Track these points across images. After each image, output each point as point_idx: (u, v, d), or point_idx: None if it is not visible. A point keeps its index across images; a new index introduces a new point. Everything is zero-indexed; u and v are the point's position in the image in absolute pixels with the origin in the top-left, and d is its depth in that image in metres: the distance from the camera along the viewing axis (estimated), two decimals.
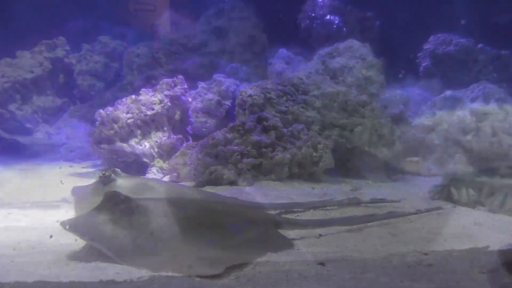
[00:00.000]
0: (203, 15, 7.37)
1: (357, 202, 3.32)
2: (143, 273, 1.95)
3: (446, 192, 3.73)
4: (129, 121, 4.98)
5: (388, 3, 7.75)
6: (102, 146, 5.01)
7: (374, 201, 3.39)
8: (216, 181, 4.14)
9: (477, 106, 4.90)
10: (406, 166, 5.40)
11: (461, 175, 4.55)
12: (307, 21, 7.39)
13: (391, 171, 5.29)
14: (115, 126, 4.96)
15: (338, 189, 4.28)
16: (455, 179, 3.75)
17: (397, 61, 7.47)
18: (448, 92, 5.35)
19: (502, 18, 7.46)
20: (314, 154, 4.48)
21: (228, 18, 6.95)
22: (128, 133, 4.99)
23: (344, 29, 7.27)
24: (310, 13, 7.33)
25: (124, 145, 4.96)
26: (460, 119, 5.00)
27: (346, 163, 5.17)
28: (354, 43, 5.83)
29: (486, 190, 3.53)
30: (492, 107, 4.86)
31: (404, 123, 5.71)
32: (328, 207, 3.33)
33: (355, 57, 5.65)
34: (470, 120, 4.91)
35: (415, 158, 5.41)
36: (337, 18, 7.27)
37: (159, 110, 5.05)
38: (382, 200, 3.41)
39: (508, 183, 3.51)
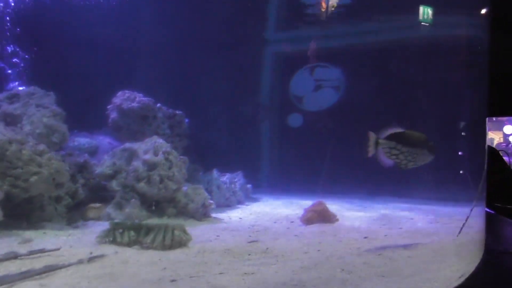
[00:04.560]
0: None
1: (14, 256, 3.29)
2: None
3: (112, 235, 4.18)
4: None
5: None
6: None
7: (32, 252, 3.44)
8: None
9: (148, 157, 5.73)
10: (89, 212, 5.65)
11: (128, 218, 5.18)
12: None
13: (73, 218, 5.43)
14: None
15: (5, 243, 4.07)
16: (119, 223, 4.26)
17: (90, 110, 7.85)
18: (127, 144, 6.02)
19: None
20: None
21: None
22: None
23: None
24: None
25: None
26: (134, 168, 5.69)
27: (23, 214, 4.97)
28: (37, 90, 5.79)
29: (143, 230, 4.17)
30: (160, 158, 5.78)
31: (88, 171, 6.00)
32: None
33: (36, 105, 5.60)
34: (143, 170, 5.67)
35: (97, 204, 5.73)
36: None
37: None
38: (41, 250, 3.49)
39: (159, 223, 4.28)
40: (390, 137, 3.83)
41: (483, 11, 4.49)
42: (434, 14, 5.28)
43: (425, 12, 5.17)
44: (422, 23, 5.28)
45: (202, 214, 5.99)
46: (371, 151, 3.86)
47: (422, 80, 7.96)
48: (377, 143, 3.82)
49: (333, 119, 9.64)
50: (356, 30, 9.25)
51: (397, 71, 8.63)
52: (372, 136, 3.88)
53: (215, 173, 7.73)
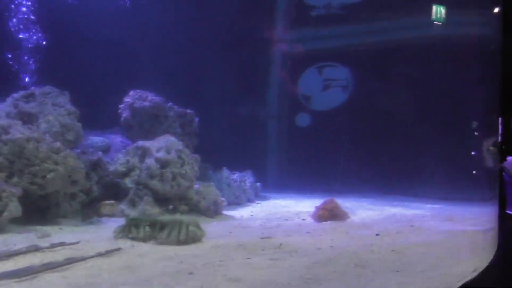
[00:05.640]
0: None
1: (36, 249, 3.37)
2: None
3: (128, 231, 4.26)
4: None
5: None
6: None
7: (53, 245, 3.53)
8: None
9: (161, 155, 5.80)
10: (103, 209, 5.74)
11: (141, 215, 5.26)
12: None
13: (87, 215, 5.52)
14: None
15: (24, 238, 4.17)
16: (134, 218, 4.34)
17: (103, 110, 7.97)
18: (140, 142, 6.10)
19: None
20: None
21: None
22: None
23: None
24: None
25: None
26: (147, 165, 5.77)
27: (39, 210, 5.07)
28: (52, 89, 5.89)
29: (158, 226, 4.24)
30: (172, 156, 5.86)
31: (102, 168, 6.09)
32: (3, 258, 3.24)
33: (52, 104, 5.71)
34: (155, 167, 5.75)
35: (111, 201, 5.82)
36: None
37: None
38: (61, 244, 3.58)
39: (174, 219, 4.34)
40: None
41: (496, 10, 4.50)
42: (446, 14, 5.29)
43: (438, 11, 5.18)
44: (435, 22, 5.29)
45: (213, 212, 6.06)
46: (486, 157, 4.38)
47: (434, 79, 7.97)
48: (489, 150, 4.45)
49: (345, 118, 9.67)
50: (367, 29, 9.27)
51: (409, 71, 8.64)
52: (486, 143, 4.38)
53: (225, 171, 7.80)
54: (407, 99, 8.55)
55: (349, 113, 9.86)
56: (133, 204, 5.73)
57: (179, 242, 4.05)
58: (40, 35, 8.03)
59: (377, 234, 4.59)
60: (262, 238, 4.43)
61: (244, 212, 6.66)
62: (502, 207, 5.76)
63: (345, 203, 6.30)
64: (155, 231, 4.21)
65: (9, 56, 7.89)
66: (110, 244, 3.88)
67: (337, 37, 9.93)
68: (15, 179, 4.71)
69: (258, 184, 8.55)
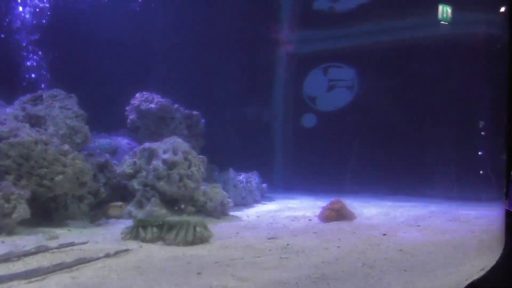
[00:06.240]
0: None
1: (45, 249, 3.41)
2: None
3: (136, 232, 4.29)
4: None
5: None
6: None
7: (62, 245, 3.56)
8: None
9: (168, 157, 5.83)
10: (110, 210, 5.78)
11: (149, 216, 5.29)
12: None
13: (95, 216, 5.56)
14: None
15: (33, 240, 4.21)
16: (142, 220, 4.37)
17: (110, 112, 8.02)
18: (146, 144, 6.14)
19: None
20: (6, 205, 4.27)
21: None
22: None
23: None
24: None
25: None
26: (154, 167, 5.80)
27: (47, 212, 5.12)
28: (59, 92, 5.95)
29: (165, 227, 4.27)
30: (179, 157, 5.89)
31: (110, 170, 6.13)
32: (13, 259, 3.28)
33: (59, 106, 5.76)
34: (162, 169, 5.78)
35: (119, 203, 5.86)
36: None
37: None
38: (71, 244, 3.62)
39: (181, 220, 4.37)
40: None
41: (502, 9, 4.49)
42: (453, 13, 5.28)
43: (445, 11, 5.17)
44: (442, 22, 5.27)
45: (220, 213, 6.08)
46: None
47: (441, 79, 7.94)
48: None
49: (351, 119, 9.66)
50: (372, 29, 9.26)
51: (415, 71, 8.62)
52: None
53: (231, 172, 7.82)
54: (413, 99, 8.53)
55: (355, 113, 9.85)
56: (140, 205, 5.76)
57: (187, 243, 4.07)
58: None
59: (384, 234, 4.59)
60: (269, 239, 4.45)
61: (250, 213, 6.67)
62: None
63: (352, 203, 6.29)
64: (162, 232, 4.23)
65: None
66: (118, 245, 3.92)
67: (342, 37, 9.92)
68: (23, 182, 4.76)
69: (264, 185, 8.56)
